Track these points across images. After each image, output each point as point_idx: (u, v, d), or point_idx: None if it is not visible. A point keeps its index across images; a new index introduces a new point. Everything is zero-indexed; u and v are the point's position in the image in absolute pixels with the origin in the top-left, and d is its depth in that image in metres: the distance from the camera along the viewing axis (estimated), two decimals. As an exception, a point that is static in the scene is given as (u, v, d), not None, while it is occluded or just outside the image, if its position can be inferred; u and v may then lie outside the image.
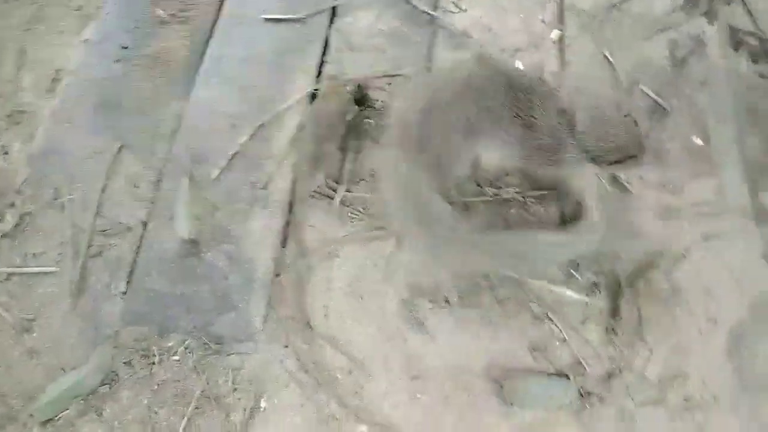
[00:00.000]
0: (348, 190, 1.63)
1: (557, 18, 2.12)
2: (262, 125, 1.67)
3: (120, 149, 1.60)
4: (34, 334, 1.37)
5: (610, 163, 1.58)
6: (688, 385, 1.59)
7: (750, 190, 1.94)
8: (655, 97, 2.05)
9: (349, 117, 1.62)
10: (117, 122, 1.64)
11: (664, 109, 2.03)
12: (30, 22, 1.77)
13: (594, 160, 1.60)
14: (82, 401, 1.33)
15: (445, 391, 1.47)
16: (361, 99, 1.70)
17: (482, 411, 1.46)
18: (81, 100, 1.65)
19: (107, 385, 1.35)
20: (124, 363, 1.38)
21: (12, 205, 1.47)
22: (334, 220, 1.59)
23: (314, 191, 1.57)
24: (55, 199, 1.51)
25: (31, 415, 1.28)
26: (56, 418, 1.30)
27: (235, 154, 1.62)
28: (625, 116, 1.61)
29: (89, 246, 1.47)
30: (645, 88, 2.06)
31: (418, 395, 1.45)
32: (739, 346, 1.68)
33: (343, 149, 1.65)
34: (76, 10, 1.83)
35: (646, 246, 1.79)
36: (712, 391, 1.60)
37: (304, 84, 1.76)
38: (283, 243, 1.59)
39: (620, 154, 1.55)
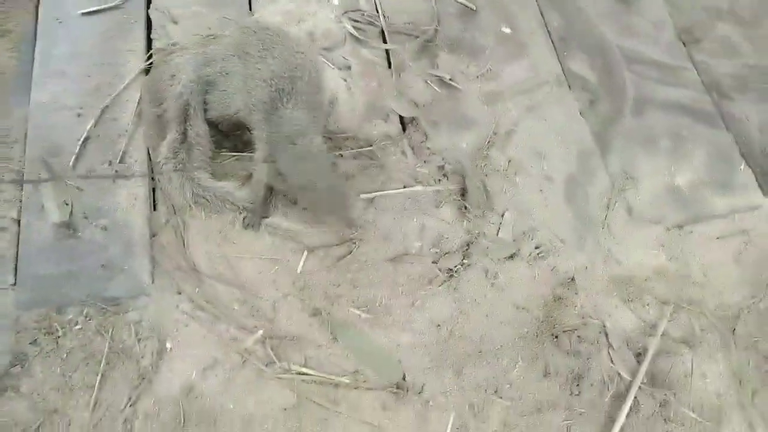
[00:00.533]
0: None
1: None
2: (105, 107, 1.84)
3: (-26, 163, 1.74)
4: (-65, 341, 1.52)
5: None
6: (538, 236, 1.93)
7: (559, 61, 2.29)
8: (463, 1, 2.36)
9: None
10: (-36, 139, 1.77)
11: (472, 9, 2.34)
12: None
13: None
14: (-3, 385, 1.50)
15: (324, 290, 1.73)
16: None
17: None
18: None
19: (18, 366, 1.53)
20: (30, 343, 1.56)
21: None
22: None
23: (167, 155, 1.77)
24: None
25: (-48, 407, 1.45)
26: (-24, 405, 1.47)
27: (86, 139, 1.79)
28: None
29: (-33, 254, 1.62)
30: (452, -5, 2.37)
31: (306, 301, 1.71)
32: (575, 193, 2.03)
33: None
34: None
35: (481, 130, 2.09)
36: (559, 236, 1.93)
37: (135, 63, 1.94)
38: (154, 207, 1.79)
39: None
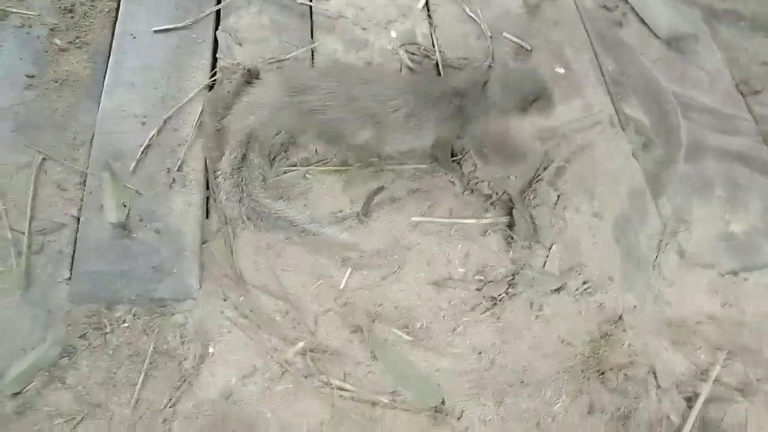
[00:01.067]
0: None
1: (420, -12, 2.53)
2: (168, 118, 1.97)
3: (43, 161, 1.87)
4: (-9, 326, 1.61)
5: (519, 111, 1.90)
6: (585, 272, 1.94)
7: (612, 103, 2.35)
8: (517, 41, 2.46)
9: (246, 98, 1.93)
10: (37, 139, 1.92)
11: (527, 49, 2.44)
12: (-62, 69, 2.04)
13: (502, 111, 1.89)
14: (45, 373, 1.57)
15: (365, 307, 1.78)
16: (254, 82, 2.03)
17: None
18: (-1, 126, 1.92)
19: (66, 357, 1.60)
20: (79, 337, 1.64)
21: (-49, 222, 1.72)
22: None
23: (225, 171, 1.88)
24: (-9, 211, 1.77)
25: (1, 391, 1.51)
26: (24, 391, 1.54)
27: (148, 146, 1.91)
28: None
29: (30, 245, 1.73)
30: (508, 35, 2.48)
31: (347, 318, 1.75)
32: (624, 232, 2.05)
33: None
34: (-21, 50, 2.10)
35: (530, 164, 2.15)
36: (607, 274, 1.95)
37: (200, 79, 2.08)
38: (207, 215, 1.88)
39: (526, 101, 1.87)
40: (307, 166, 2.01)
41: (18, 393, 1.53)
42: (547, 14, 2.60)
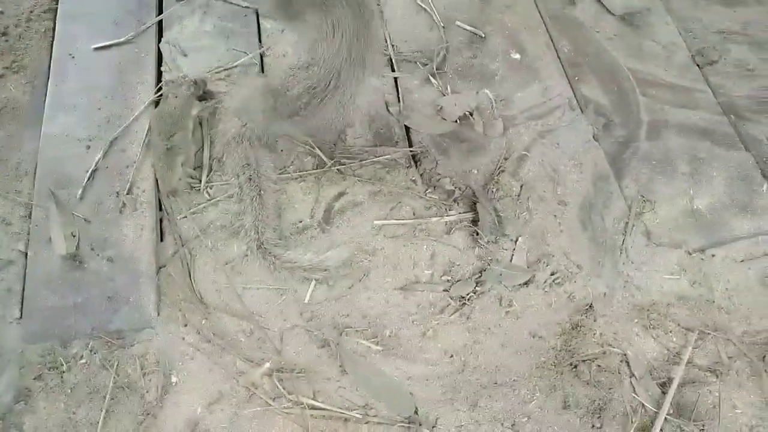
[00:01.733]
0: (208, 177, 1.86)
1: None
2: (114, 140, 1.87)
3: (-15, 196, 1.76)
4: (-61, 375, 1.52)
5: None
6: (553, 263, 1.89)
7: (570, 85, 2.29)
8: (471, 28, 2.38)
9: (194, 111, 1.84)
10: (-24, 174, 1.80)
11: (481, 36, 2.36)
12: None
13: None
14: (0, 422, 1.48)
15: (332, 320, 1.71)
16: (202, 94, 1.93)
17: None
18: (-65, 163, 1.80)
19: (22, 402, 1.51)
20: (35, 378, 1.55)
21: None
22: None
23: (177, 185, 1.78)
24: (-68, 254, 1.66)
25: (-46, 445, 1.43)
26: (-21, 442, 1.45)
27: (95, 171, 1.81)
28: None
29: (-26, 287, 1.63)
30: (461, 23, 2.39)
31: (314, 332, 1.68)
32: (590, 217, 1.99)
33: (196, 142, 1.87)
34: None
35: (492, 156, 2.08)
36: (575, 262, 1.90)
37: (145, 95, 1.98)
38: (161, 237, 1.79)
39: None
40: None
41: (-28, 445, 1.45)
42: (499, -1, 2.52)
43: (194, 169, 1.85)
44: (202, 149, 1.92)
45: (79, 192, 1.79)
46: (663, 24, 2.52)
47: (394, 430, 1.57)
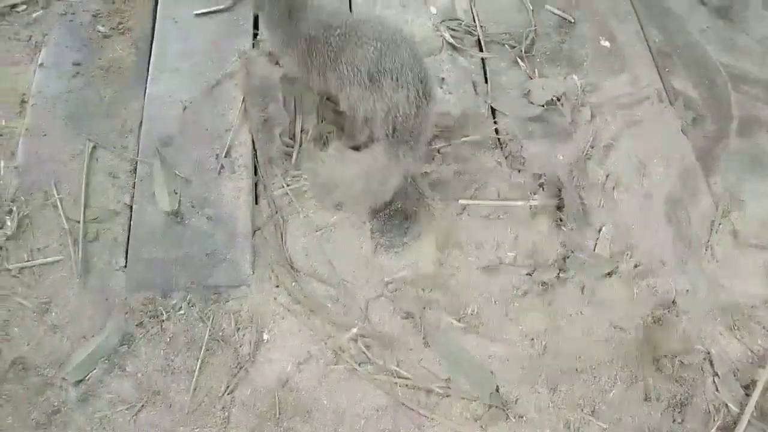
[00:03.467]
0: (301, 145, 1.86)
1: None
2: (214, 103, 1.88)
3: (94, 149, 1.80)
4: (53, 314, 1.57)
5: None
6: (636, 255, 1.83)
7: (660, 76, 2.19)
8: (560, 13, 2.29)
9: (277, 76, 1.82)
10: (87, 128, 1.85)
11: (570, 21, 2.27)
12: (-14, 58, 1.97)
13: None
14: (106, 361, 1.53)
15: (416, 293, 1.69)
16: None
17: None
18: (50, 114, 1.85)
19: (125, 345, 1.55)
20: (137, 325, 1.59)
21: (9, 212, 1.67)
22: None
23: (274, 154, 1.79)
24: (47, 200, 1.71)
25: (65, 379, 1.48)
26: (86, 378, 1.51)
27: (195, 132, 1.82)
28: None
29: (85, 233, 1.67)
30: (550, 7, 2.30)
31: (398, 304, 1.67)
32: (675, 212, 1.91)
33: (289, 111, 1.86)
34: (26, 41, 2.02)
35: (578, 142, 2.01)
36: (659, 256, 1.83)
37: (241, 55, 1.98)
38: (256, 200, 1.80)
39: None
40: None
41: (80, 381, 1.50)
42: (590, -17, 2.41)
43: (290, 138, 1.84)
44: (295, 118, 1.91)
45: (181, 152, 1.80)
46: (759, 18, 2.37)
47: (474, 405, 1.55)
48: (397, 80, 1.61)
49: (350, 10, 2.22)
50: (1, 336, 1.54)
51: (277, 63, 1.93)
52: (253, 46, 2.03)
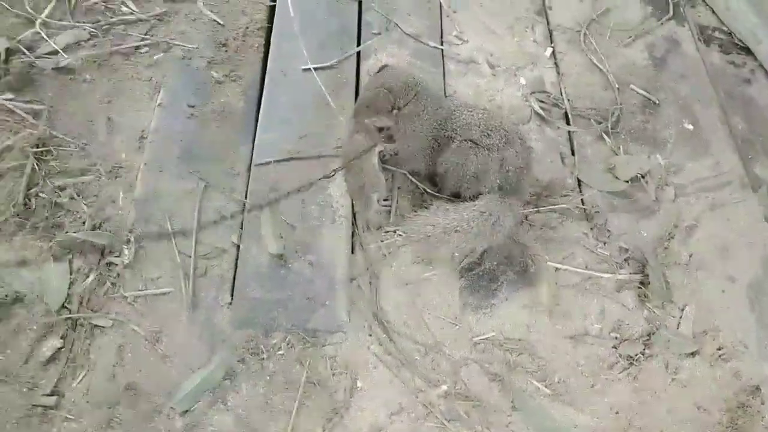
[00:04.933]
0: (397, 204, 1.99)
1: (547, 37, 2.52)
2: (318, 156, 2.02)
3: (205, 188, 1.94)
4: (164, 343, 1.68)
5: None
6: (720, 337, 1.88)
7: (742, 163, 2.28)
8: (645, 93, 2.42)
9: (378, 148, 1.96)
10: (199, 167, 1.99)
11: (654, 102, 2.40)
12: (111, 95, 2.16)
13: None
14: (210, 394, 1.62)
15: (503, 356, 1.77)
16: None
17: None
18: (166, 152, 2.01)
19: (227, 380, 1.65)
20: (239, 361, 1.68)
21: (128, 241, 1.81)
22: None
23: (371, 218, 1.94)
24: (161, 233, 1.85)
25: (173, 408, 1.58)
26: (192, 409, 1.59)
27: (300, 181, 1.96)
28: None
29: (195, 268, 1.79)
30: (635, 87, 2.44)
31: (486, 365, 1.74)
32: (758, 299, 1.98)
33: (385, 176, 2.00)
34: (147, 80, 2.21)
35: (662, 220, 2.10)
36: (742, 340, 1.88)
37: (344, 118, 2.13)
38: (352, 250, 1.92)
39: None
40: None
41: (186, 411, 1.59)
42: (673, 67, 2.54)
43: (386, 200, 1.97)
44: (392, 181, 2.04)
45: (286, 198, 1.94)
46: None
47: (562, 474, 1.60)
48: (506, 138, 1.84)
49: (443, 80, 2.39)
50: (116, 360, 1.65)
51: (376, 135, 2.04)
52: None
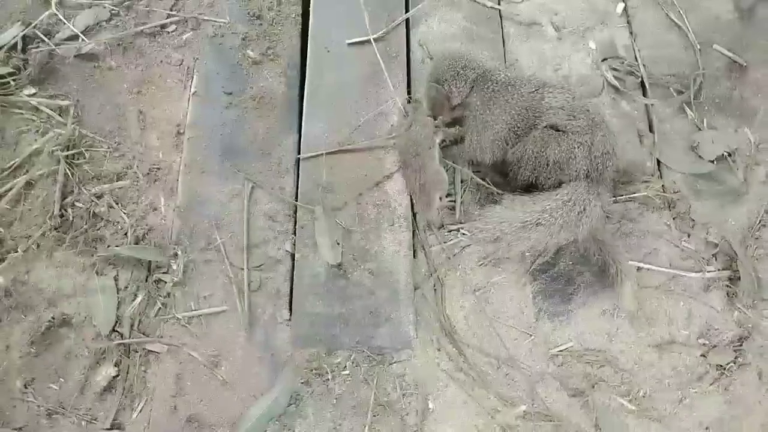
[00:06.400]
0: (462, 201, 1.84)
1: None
2: (371, 147, 1.87)
3: (252, 189, 1.81)
4: (223, 368, 1.61)
5: None
6: (818, 341, 1.74)
7: None
8: (731, 55, 2.17)
9: (438, 139, 1.80)
10: (244, 165, 1.85)
11: (742, 65, 2.15)
12: (139, 84, 1.99)
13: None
14: (276, 422, 1.56)
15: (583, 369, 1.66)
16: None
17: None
18: (207, 149, 1.87)
19: (293, 405, 1.58)
20: (302, 383, 1.61)
21: (175, 255, 1.71)
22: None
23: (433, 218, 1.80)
24: (209, 244, 1.74)
25: (238, 441, 1.52)
26: (259, 439, 1.54)
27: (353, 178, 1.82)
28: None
29: (249, 282, 1.70)
30: (718, 47, 2.18)
31: (565, 379, 1.64)
32: None
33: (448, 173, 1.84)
34: (177, 65, 2.04)
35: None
36: (843, 344, 1.74)
37: (398, 97, 1.94)
38: (414, 254, 1.79)
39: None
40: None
41: (253, 442, 1.54)
42: (764, 21, 2.27)
43: (448, 196, 1.82)
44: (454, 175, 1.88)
45: (343, 200, 1.80)
46: None
47: (653, 500, 1.53)
48: (592, 120, 1.68)
49: (503, 48, 2.17)
50: (175, 390, 1.59)
51: (435, 126, 1.88)
52: (409, 102, 1.99)
